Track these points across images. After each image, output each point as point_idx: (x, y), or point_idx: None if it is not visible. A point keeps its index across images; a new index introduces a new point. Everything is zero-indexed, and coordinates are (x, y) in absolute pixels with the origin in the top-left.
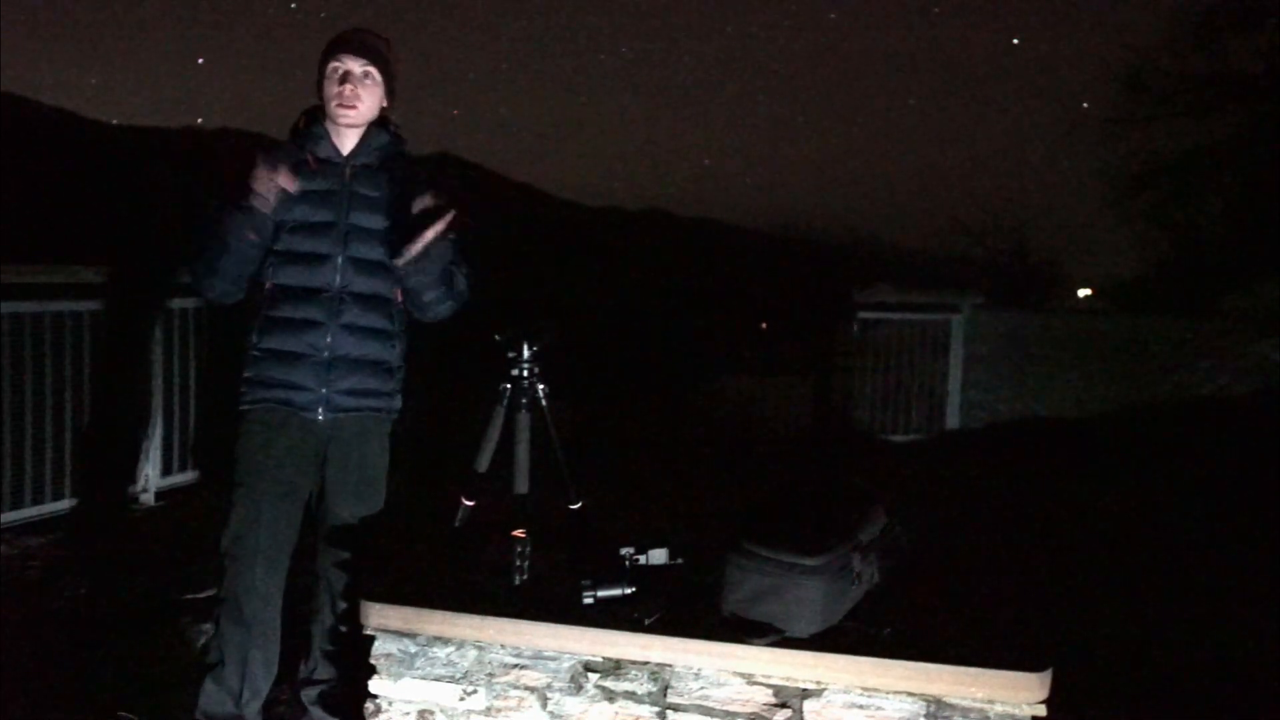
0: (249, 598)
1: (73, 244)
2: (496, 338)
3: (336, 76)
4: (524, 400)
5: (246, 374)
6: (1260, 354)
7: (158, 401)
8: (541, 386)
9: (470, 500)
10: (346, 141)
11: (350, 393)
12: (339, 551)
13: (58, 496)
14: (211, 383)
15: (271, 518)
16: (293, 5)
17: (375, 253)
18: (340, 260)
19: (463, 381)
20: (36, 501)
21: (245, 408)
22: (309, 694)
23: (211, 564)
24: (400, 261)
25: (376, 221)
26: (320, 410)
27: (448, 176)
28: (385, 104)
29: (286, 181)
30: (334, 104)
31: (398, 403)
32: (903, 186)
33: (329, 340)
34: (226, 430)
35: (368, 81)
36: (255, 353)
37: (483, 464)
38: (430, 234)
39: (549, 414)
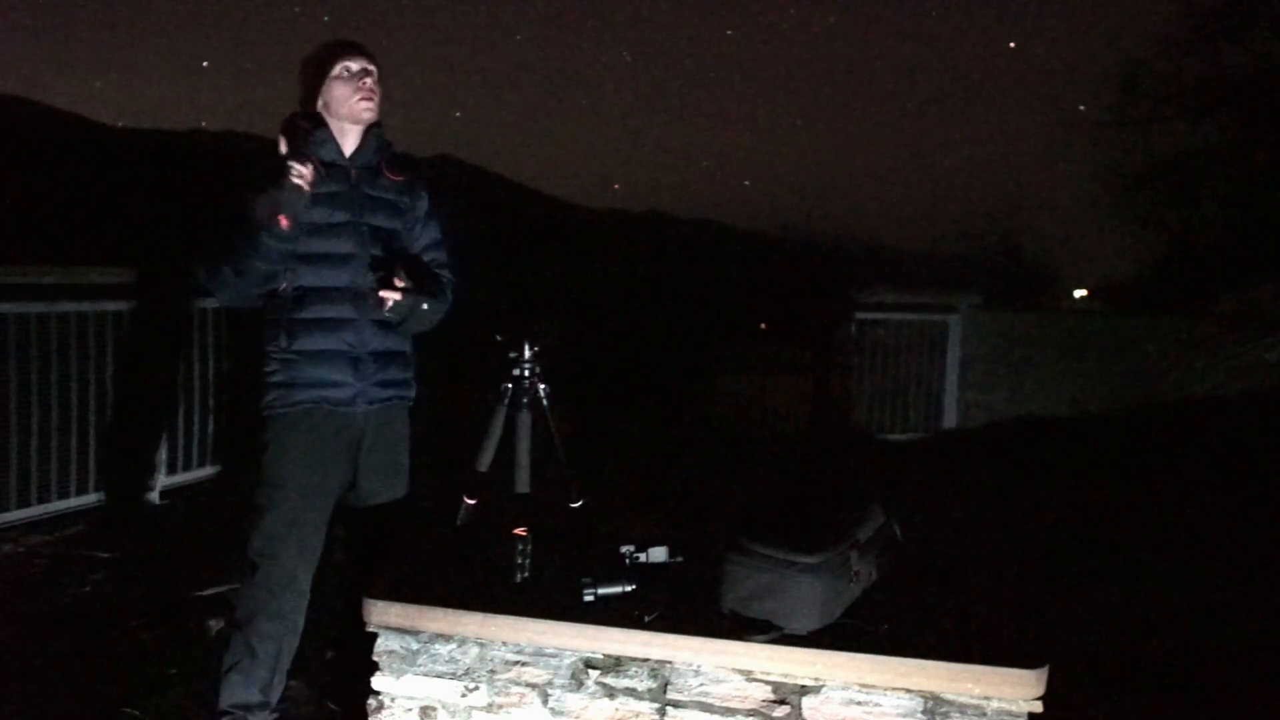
0: (287, 594)
1: (78, 245)
2: (498, 338)
3: (353, 75)
4: (525, 400)
5: (277, 378)
6: (1254, 354)
7: (163, 402)
8: (542, 386)
9: (472, 499)
10: (348, 144)
11: (383, 384)
12: (364, 540)
13: (63, 495)
14: (233, 382)
15: (311, 516)
16: (296, 9)
17: (389, 250)
18: (364, 258)
19: (465, 381)
20: (42, 500)
21: (282, 411)
22: (314, 688)
23: (218, 561)
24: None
25: (385, 220)
26: (358, 404)
27: (438, 180)
28: None
29: (309, 173)
30: (356, 99)
31: (414, 391)
32: (901, 188)
33: (362, 336)
34: (249, 431)
35: (377, 80)
36: (288, 355)
37: (484, 463)
38: (390, 299)
39: (550, 413)
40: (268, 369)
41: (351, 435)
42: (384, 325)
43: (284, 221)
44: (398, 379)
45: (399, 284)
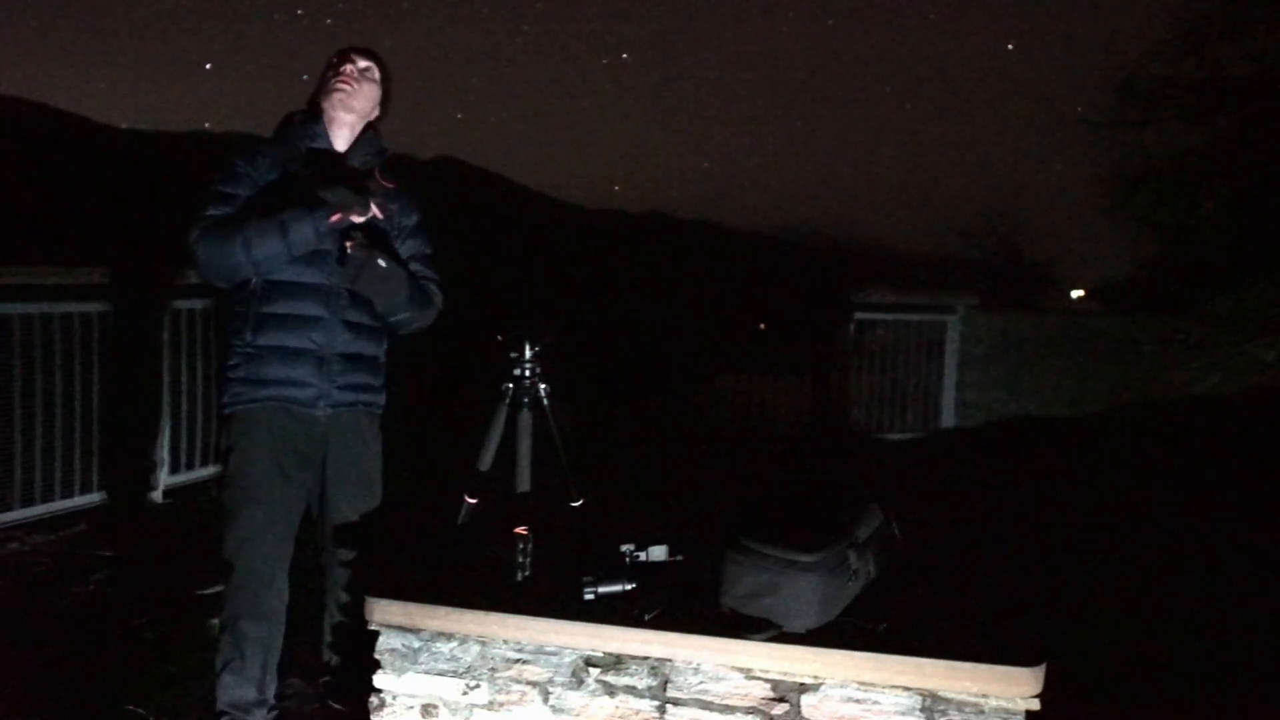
0: (267, 594)
1: (80, 245)
2: (499, 338)
3: (335, 65)
4: (526, 399)
5: (238, 373)
6: (1250, 354)
7: (165, 401)
8: (543, 386)
9: (473, 498)
10: (340, 140)
11: (349, 388)
12: (342, 548)
13: (66, 494)
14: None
15: (281, 516)
16: (298, 11)
17: None
18: (337, 256)
19: (465, 381)
20: (46, 499)
21: (244, 407)
22: (316, 686)
23: (219, 560)
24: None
25: (369, 222)
26: (320, 406)
27: (419, 193)
28: (379, 112)
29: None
30: (331, 86)
31: (383, 398)
32: (899, 190)
33: (331, 336)
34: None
35: (367, 75)
36: (251, 350)
37: (485, 462)
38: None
39: (550, 413)
40: (230, 363)
41: (315, 438)
42: (355, 327)
43: (338, 218)
44: (364, 384)
45: (350, 243)
